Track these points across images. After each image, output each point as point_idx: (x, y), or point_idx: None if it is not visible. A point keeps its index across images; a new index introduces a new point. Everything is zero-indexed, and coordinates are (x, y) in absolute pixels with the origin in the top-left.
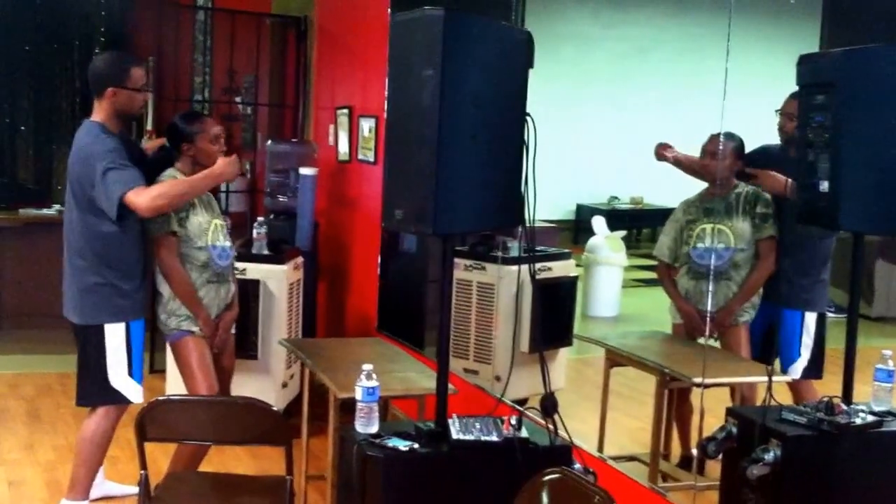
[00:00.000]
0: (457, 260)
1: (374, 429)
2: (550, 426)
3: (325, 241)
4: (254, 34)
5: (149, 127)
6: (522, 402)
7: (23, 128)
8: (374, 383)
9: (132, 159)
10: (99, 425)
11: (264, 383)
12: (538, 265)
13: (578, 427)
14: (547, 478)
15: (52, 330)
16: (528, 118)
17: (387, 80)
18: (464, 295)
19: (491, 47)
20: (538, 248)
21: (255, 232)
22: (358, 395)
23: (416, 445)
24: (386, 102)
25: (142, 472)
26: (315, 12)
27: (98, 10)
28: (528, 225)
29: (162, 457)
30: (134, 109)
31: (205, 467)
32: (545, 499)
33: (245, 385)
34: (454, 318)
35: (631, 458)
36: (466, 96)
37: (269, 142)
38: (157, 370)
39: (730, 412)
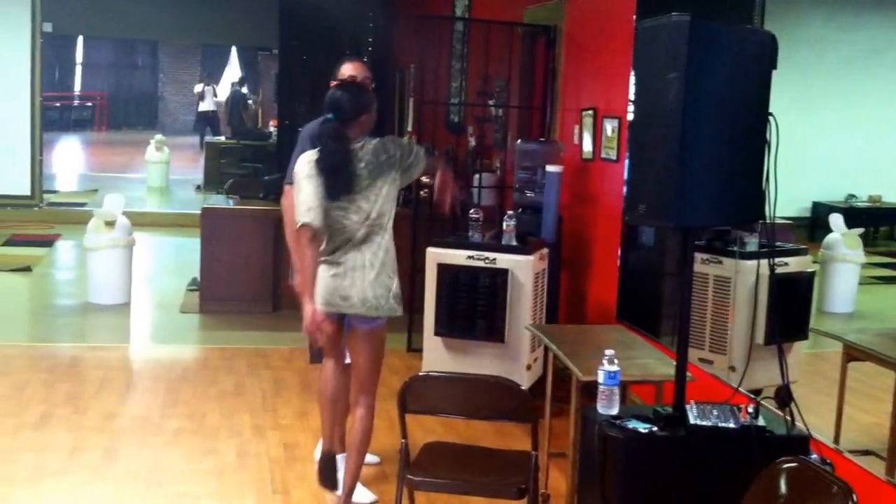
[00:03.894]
0: (694, 254)
1: (615, 411)
2: (787, 416)
3: (568, 234)
4: (506, 42)
5: (409, 129)
6: (757, 392)
7: (299, 130)
8: (615, 368)
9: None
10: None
11: (510, 365)
12: (776, 260)
13: (812, 420)
14: (785, 465)
15: None
16: (770, 117)
17: (632, 82)
18: (700, 287)
19: (734, 50)
20: (776, 244)
21: (504, 224)
22: (600, 378)
23: (654, 428)
24: (630, 104)
25: (402, 440)
26: (564, 21)
27: (366, 24)
28: (768, 221)
29: (417, 429)
30: None
31: (456, 439)
32: (783, 486)
33: (493, 367)
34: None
35: (866, 453)
36: (709, 97)
37: (518, 141)
38: (415, 349)
39: None
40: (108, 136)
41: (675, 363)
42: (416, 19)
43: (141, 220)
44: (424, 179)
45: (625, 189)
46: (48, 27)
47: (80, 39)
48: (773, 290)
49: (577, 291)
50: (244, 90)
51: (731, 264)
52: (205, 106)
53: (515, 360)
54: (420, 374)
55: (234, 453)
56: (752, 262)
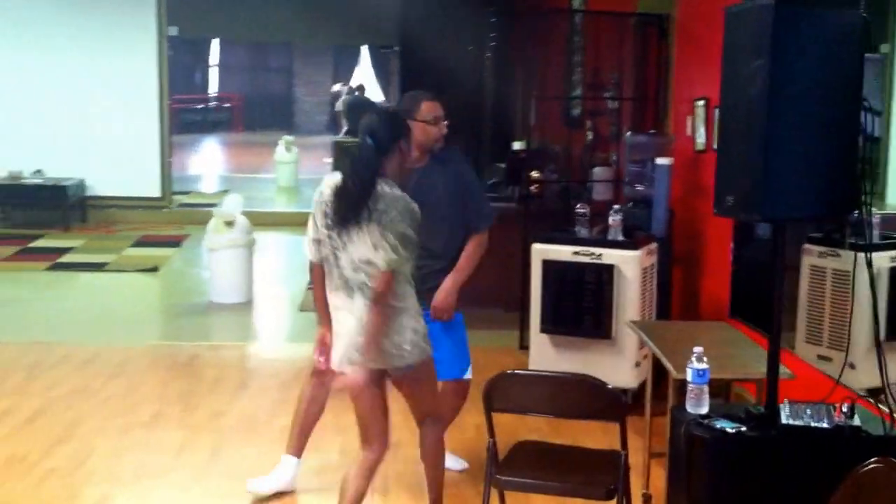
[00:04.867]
0: (810, 246)
1: (704, 409)
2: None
3: (680, 228)
4: (620, 33)
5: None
6: (877, 391)
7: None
8: (704, 366)
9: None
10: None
11: (617, 362)
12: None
13: None
14: (871, 467)
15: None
16: (864, 103)
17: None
18: (817, 282)
19: (824, 34)
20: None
21: (610, 219)
22: (688, 376)
23: (743, 428)
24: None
25: (490, 439)
26: (676, 9)
27: (487, 20)
28: (865, 212)
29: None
30: (428, 141)
31: (557, 439)
32: (868, 489)
33: (598, 364)
34: (808, 304)
35: None
36: (796, 84)
37: (628, 134)
38: (526, 346)
39: None
40: (243, 137)
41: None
42: (535, 14)
43: (267, 220)
44: (534, 174)
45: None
46: (174, 31)
47: (216, 42)
48: (873, 284)
49: (689, 287)
50: (360, 94)
51: (849, 257)
52: (340, 106)
53: (623, 357)
54: (506, 372)
55: (337, 451)
56: (873, 255)
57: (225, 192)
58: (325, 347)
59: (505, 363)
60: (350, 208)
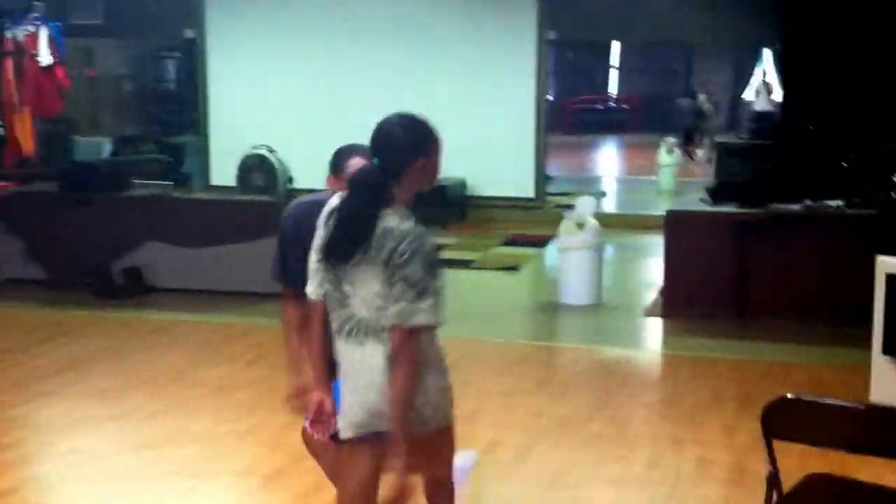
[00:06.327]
0: None
1: None
2: None
3: None
4: None
5: None
6: None
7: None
8: None
9: None
10: None
11: None
12: None
13: None
14: None
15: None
16: None
17: None
18: None
19: None
20: None
21: None
22: None
23: None
24: None
25: (769, 468)
26: None
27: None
28: None
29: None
30: None
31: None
32: None
33: None
34: None
35: None
36: None
37: None
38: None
39: None
40: (639, 138)
41: None
42: None
43: (646, 223)
44: None
45: None
46: (552, 35)
47: (616, 45)
48: None
49: None
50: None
51: None
52: (759, 105)
53: None
54: (789, 396)
55: (643, 463)
56: None
57: (603, 193)
58: (322, 414)
59: (831, 384)
60: (342, 244)
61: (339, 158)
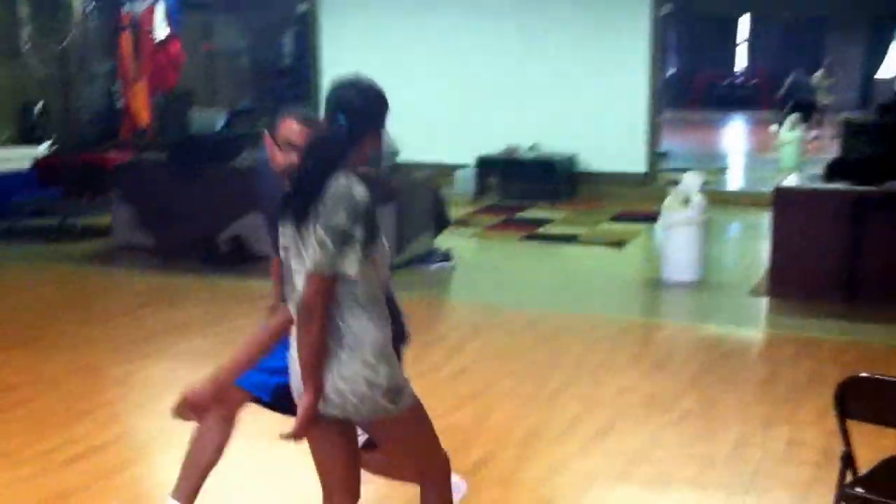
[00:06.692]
0: None
1: None
2: None
3: None
4: None
5: None
6: None
7: None
8: None
9: None
10: None
11: None
12: None
13: None
14: None
15: None
16: None
17: None
18: None
19: None
20: None
21: None
22: None
23: None
24: None
25: (844, 448)
26: None
27: None
28: None
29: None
30: (277, 168)
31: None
32: None
33: None
34: None
35: None
36: None
37: None
38: None
39: None
40: (768, 115)
41: None
42: None
43: (765, 201)
44: None
45: None
46: (667, 9)
47: (745, 19)
48: None
49: None
50: None
51: None
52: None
53: None
54: (862, 375)
55: (731, 443)
56: None
57: (721, 169)
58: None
59: None
60: (297, 203)
61: (275, 119)
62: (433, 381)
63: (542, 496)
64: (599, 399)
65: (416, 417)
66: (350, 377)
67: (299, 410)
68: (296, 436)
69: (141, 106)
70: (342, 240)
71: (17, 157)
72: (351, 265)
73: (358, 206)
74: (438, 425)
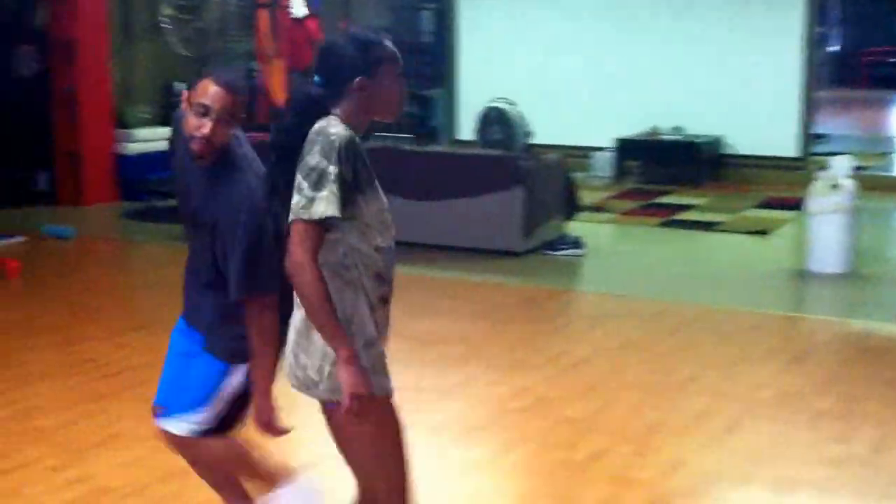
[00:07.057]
0: None
1: None
2: None
3: None
4: None
5: None
6: None
7: None
8: None
9: None
10: None
11: None
12: None
13: None
14: None
15: None
16: None
17: None
18: None
19: None
20: None
21: None
22: None
23: None
24: None
25: None
26: None
27: None
28: None
29: None
30: (188, 132)
31: None
32: None
33: None
34: None
35: None
36: None
37: None
38: None
39: None
40: None
41: None
42: None
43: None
44: None
45: None
46: None
47: None
48: None
49: None
50: None
51: None
52: None
53: None
54: None
55: (867, 445)
56: None
57: (885, 154)
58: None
59: None
60: (278, 167)
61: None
62: (552, 371)
63: (655, 497)
64: (729, 394)
65: (380, 420)
66: (317, 355)
67: (343, 375)
68: (353, 399)
69: (277, 85)
70: (318, 178)
71: (159, 137)
72: (330, 204)
73: (333, 142)
74: (553, 416)
